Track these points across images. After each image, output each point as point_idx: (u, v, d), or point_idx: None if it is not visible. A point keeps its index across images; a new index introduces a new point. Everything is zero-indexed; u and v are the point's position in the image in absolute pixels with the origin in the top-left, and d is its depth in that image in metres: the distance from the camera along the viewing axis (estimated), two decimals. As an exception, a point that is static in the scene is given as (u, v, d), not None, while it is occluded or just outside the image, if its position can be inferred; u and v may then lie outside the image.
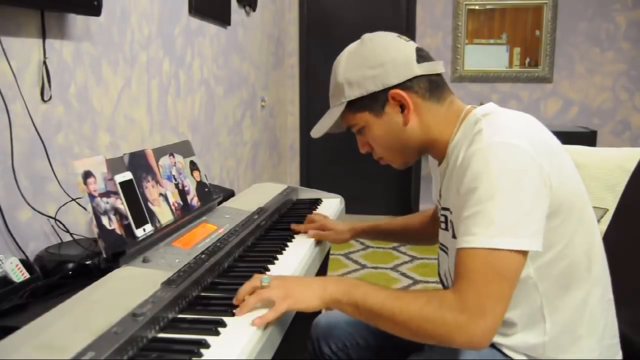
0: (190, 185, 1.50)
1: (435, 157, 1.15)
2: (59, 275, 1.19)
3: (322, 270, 1.83)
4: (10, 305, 1.05)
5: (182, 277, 1.05)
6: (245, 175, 3.34)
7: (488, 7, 4.26)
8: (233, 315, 0.97)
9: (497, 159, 0.91)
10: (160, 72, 2.18)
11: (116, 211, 1.17)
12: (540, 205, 0.91)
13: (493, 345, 1.05)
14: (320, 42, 4.42)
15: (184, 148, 1.54)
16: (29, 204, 1.39)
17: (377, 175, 4.41)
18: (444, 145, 1.08)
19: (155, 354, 0.84)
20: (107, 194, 1.16)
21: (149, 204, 1.28)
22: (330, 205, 1.87)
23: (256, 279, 1.02)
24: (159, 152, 1.41)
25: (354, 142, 1.16)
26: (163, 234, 1.30)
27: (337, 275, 3.30)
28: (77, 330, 0.84)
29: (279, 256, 1.33)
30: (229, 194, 1.93)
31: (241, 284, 1.06)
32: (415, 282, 3.23)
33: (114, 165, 1.21)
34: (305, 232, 1.50)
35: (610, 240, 1.37)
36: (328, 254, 1.87)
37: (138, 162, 1.31)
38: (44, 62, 1.47)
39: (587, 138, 3.84)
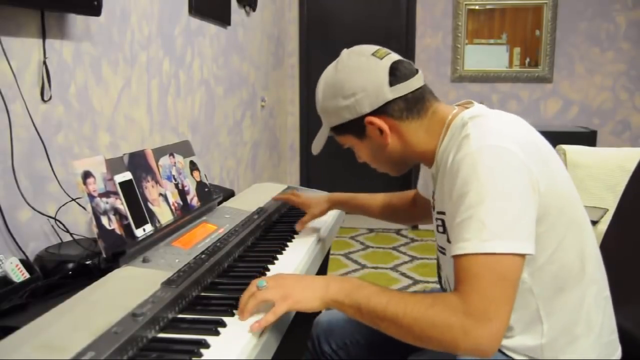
0: (190, 185, 1.50)
1: (426, 164, 1.17)
2: (59, 275, 1.19)
3: (322, 270, 1.83)
4: (10, 305, 1.05)
5: (182, 277, 1.05)
6: (245, 175, 3.34)
7: (488, 7, 4.26)
8: (233, 315, 0.97)
9: (486, 163, 0.91)
10: (160, 72, 2.18)
11: (116, 211, 1.17)
12: (530, 209, 0.91)
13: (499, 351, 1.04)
14: (320, 42, 4.42)
15: (184, 148, 1.54)
16: (29, 204, 1.39)
17: (377, 175, 4.40)
18: (431, 154, 1.09)
19: (155, 354, 0.84)
20: (106, 194, 1.16)
21: (149, 204, 1.28)
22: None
23: (253, 285, 1.00)
24: (159, 152, 1.41)
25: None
26: (163, 234, 1.30)
27: (338, 275, 3.30)
28: (77, 330, 0.84)
29: (279, 256, 1.33)
30: (229, 194, 1.93)
31: (241, 284, 1.06)
32: (415, 282, 3.23)
33: (113, 165, 1.21)
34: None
35: (610, 240, 1.37)
36: (328, 253, 1.87)
37: (138, 162, 1.31)
38: (44, 62, 1.47)
39: (587, 138, 3.84)
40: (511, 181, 0.90)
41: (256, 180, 3.54)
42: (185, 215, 1.41)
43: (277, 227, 1.61)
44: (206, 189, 1.58)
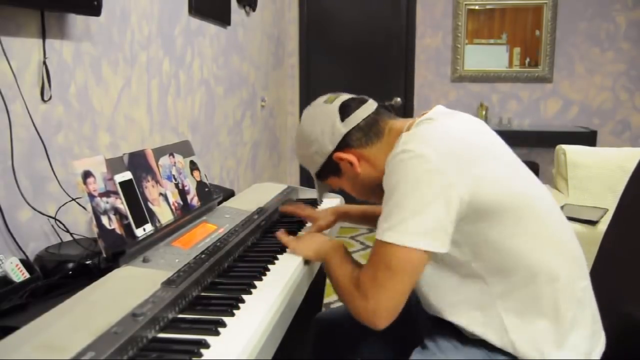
0: (190, 185, 1.50)
1: None
2: (59, 275, 1.19)
3: (322, 270, 1.83)
4: (10, 305, 1.05)
5: (182, 277, 1.05)
6: (245, 175, 3.34)
7: (488, 7, 4.26)
8: (233, 315, 0.97)
9: (399, 166, 1.02)
10: (160, 72, 2.18)
11: (116, 211, 1.17)
12: (436, 209, 0.98)
13: (499, 351, 1.07)
14: (320, 42, 4.42)
15: (184, 148, 1.54)
16: (29, 204, 1.39)
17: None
18: None
19: (155, 354, 0.84)
20: (106, 193, 1.16)
21: (149, 204, 1.28)
22: (330, 206, 1.87)
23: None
24: (159, 152, 1.41)
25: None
26: (163, 233, 1.30)
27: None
28: (77, 330, 0.84)
29: (279, 256, 1.33)
30: (229, 194, 1.93)
31: (241, 284, 1.08)
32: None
33: (113, 165, 1.21)
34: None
35: (610, 240, 1.37)
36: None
37: (138, 162, 1.31)
38: (44, 62, 1.47)
39: (587, 138, 3.84)
40: (417, 183, 0.99)
41: (256, 180, 3.54)
42: (185, 215, 1.41)
43: (277, 227, 1.61)
44: (206, 189, 1.58)
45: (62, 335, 0.83)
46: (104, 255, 1.10)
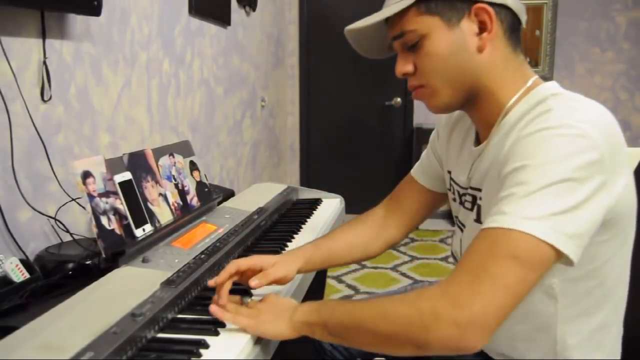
0: (190, 185, 1.50)
1: (478, 119, 0.98)
2: (59, 275, 1.19)
3: (322, 270, 1.83)
4: (10, 305, 1.05)
5: (181, 277, 1.05)
6: (245, 175, 3.34)
7: (488, 7, 4.26)
8: (232, 315, 0.97)
9: (562, 142, 0.76)
10: (160, 72, 2.18)
11: (115, 211, 1.17)
12: (592, 211, 0.76)
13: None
14: (320, 42, 4.42)
15: (183, 148, 1.55)
16: (29, 204, 1.39)
17: (378, 175, 4.41)
18: (496, 108, 0.92)
19: (155, 354, 0.84)
20: (106, 194, 1.16)
21: (149, 204, 1.28)
22: (330, 205, 1.87)
23: (236, 297, 0.99)
24: (159, 152, 1.41)
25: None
26: (163, 234, 1.30)
27: (337, 274, 3.30)
28: (76, 330, 0.84)
29: (278, 256, 1.33)
30: (229, 194, 1.93)
31: (241, 284, 1.06)
32: (416, 282, 3.23)
33: (113, 165, 1.21)
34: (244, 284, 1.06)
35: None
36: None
37: (137, 162, 1.31)
38: (44, 62, 1.47)
39: (587, 138, 3.84)
40: (584, 175, 0.75)
41: (256, 180, 3.54)
42: (185, 215, 1.42)
43: (277, 227, 1.61)
44: (206, 189, 1.58)
45: (61, 335, 0.83)
46: (104, 255, 1.10)
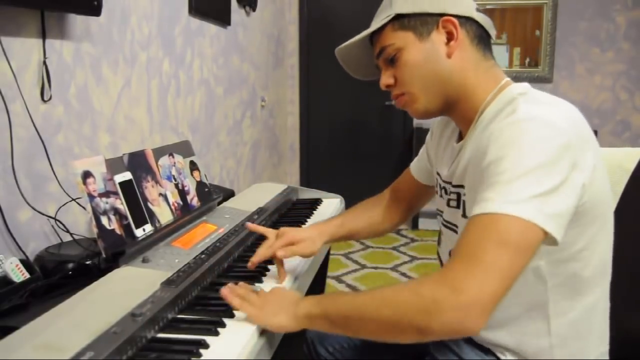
0: (190, 185, 1.50)
1: (458, 119, 1.06)
2: (59, 275, 1.19)
3: (322, 270, 1.83)
4: (10, 305, 1.05)
5: (181, 277, 1.05)
6: (245, 175, 3.34)
7: (488, 7, 4.26)
8: (232, 315, 0.97)
9: (532, 133, 0.82)
10: (160, 72, 2.18)
11: (116, 211, 1.17)
12: (569, 191, 0.81)
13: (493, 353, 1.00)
14: (320, 42, 4.42)
15: (183, 148, 1.54)
16: (29, 204, 1.39)
17: (378, 176, 4.41)
18: (472, 108, 1.00)
19: (155, 354, 0.84)
20: (106, 194, 1.16)
21: (149, 204, 1.28)
22: (330, 205, 1.87)
23: (248, 287, 1.04)
24: (159, 152, 1.41)
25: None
26: (163, 234, 1.30)
27: (337, 274, 3.30)
28: (76, 330, 0.84)
29: (278, 256, 1.33)
30: (229, 194, 1.93)
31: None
32: (415, 282, 3.23)
33: (113, 165, 1.21)
34: (273, 257, 1.19)
35: (610, 240, 1.37)
36: (328, 253, 1.87)
37: (138, 162, 1.31)
38: (44, 62, 1.47)
39: (587, 138, 3.84)
40: (555, 156, 0.80)
41: (256, 180, 3.54)
42: (185, 215, 1.41)
43: (277, 227, 1.60)
44: (206, 189, 1.58)
45: (61, 335, 0.83)
46: (104, 255, 1.10)
